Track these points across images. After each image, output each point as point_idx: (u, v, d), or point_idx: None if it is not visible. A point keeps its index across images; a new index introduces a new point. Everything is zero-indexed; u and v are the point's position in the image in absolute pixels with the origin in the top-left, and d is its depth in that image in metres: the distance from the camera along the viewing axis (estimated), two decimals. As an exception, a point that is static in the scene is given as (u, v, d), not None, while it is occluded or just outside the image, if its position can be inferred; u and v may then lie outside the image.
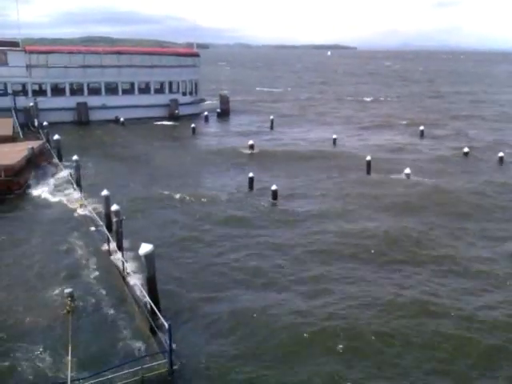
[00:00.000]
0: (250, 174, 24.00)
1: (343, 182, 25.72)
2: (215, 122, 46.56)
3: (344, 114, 51.89)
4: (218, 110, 49.46)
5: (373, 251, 16.90)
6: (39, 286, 14.15)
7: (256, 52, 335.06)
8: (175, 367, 10.75)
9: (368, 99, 65.37)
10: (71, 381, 9.97)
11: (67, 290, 13.22)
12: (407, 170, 26.35)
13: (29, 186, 23.20)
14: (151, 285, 13.16)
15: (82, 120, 41.61)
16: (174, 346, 10.85)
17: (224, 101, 50.48)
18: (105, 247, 16.51)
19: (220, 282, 14.85)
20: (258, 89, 76.75)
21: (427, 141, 37.63)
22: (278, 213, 20.92)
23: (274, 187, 22.42)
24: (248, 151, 32.16)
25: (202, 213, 20.50)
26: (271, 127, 42.36)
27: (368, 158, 27.38)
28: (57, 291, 13.73)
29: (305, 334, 12.17)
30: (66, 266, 15.40)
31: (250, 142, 32.60)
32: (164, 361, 10.73)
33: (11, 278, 14.70)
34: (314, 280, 14.91)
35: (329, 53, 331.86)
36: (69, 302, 12.97)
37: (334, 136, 35.78)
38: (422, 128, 39.80)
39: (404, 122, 45.58)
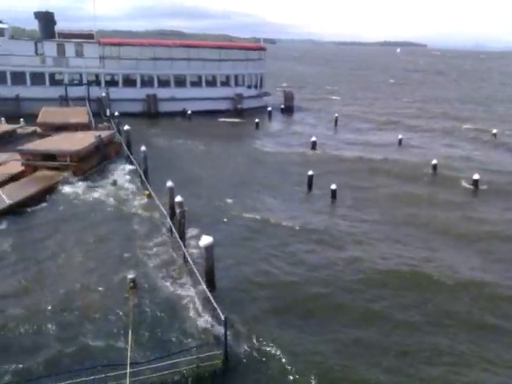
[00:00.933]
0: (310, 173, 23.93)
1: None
2: (279, 118, 46.55)
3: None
4: (282, 106, 49.52)
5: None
6: (104, 271, 14.73)
7: (322, 48, 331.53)
8: (229, 360, 10.89)
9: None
10: (130, 363, 10.32)
11: (130, 276, 13.71)
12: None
13: (97, 173, 24.04)
14: (209, 276, 13.43)
15: (151, 111, 42.86)
16: (229, 338, 10.99)
17: (288, 97, 50.41)
18: (168, 236, 17.00)
19: (282, 278, 14.86)
20: (325, 86, 75.80)
21: None
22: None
23: (333, 186, 22.26)
24: (310, 152, 31.82)
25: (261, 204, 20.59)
26: (335, 124, 42.16)
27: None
28: (120, 276, 14.23)
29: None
30: (130, 253, 15.93)
31: (313, 139, 32.33)
32: (219, 352, 10.92)
33: (76, 260, 15.34)
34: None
35: (398, 50, 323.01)
36: (131, 288, 13.45)
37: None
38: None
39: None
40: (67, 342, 11.40)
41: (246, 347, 11.51)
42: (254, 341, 11.77)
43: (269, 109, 46.13)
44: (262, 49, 50.90)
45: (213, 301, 11.93)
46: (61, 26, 45.98)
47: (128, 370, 10.18)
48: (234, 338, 11.46)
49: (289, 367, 11.01)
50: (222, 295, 13.12)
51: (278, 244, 17.18)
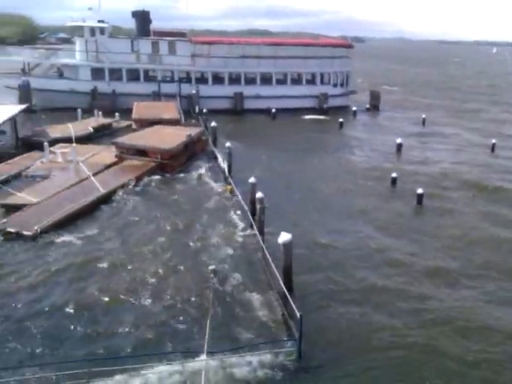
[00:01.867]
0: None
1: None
2: (364, 118, 45.74)
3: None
4: (368, 106, 48.63)
5: None
6: (186, 259, 15.38)
7: (416, 47, 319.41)
8: (303, 358, 11.02)
9: None
10: (207, 352, 10.76)
11: (211, 267, 14.25)
12: None
13: (183, 170, 24.98)
14: (287, 273, 13.60)
15: (237, 109, 43.81)
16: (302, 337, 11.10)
17: (375, 96, 49.38)
18: (248, 232, 17.45)
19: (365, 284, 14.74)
20: (414, 87, 73.12)
21: None
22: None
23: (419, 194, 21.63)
24: (394, 154, 31.00)
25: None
26: (423, 126, 40.82)
27: None
28: (201, 266, 14.79)
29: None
30: (211, 244, 16.50)
31: (398, 141, 31.54)
32: (292, 349, 11.08)
33: (159, 247, 16.11)
34: None
35: (494, 50, 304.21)
36: (212, 278, 13.96)
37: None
38: None
39: None
40: (148, 326, 12.09)
41: (320, 349, 11.54)
42: (329, 344, 11.78)
43: (354, 108, 45.48)
44: (349, 46, 50.22)
45: (289, 297, 12.09)
46: (155, 24, 48.27)
47: (204, 358, 10.62)
48: (309, 338, 11.47)
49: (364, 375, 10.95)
50: (298, 294, 13.25)
51: (360, 256, 16.72)
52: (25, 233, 16.20)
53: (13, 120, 28.93)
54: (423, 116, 42.00)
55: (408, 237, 18.21)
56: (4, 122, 27.49)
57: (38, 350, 11.00)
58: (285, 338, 11.65)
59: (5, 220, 16.99)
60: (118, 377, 10.17)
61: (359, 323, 12.66)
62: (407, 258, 16.42)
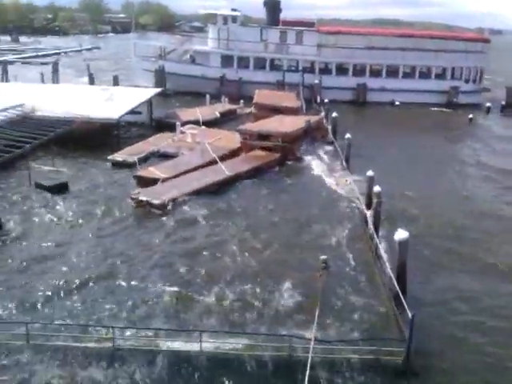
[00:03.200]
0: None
1: None
2: (497, 116, 42.52)
3: None
4: (503, 103, 45.04)
5: None
6: (298, 250, 15.64)
7: None
8: (410, 361, 10.77)
9: None
10: (314, 340, 10.95)
11: (322, 257, 14.40)
12: None
13: (302, 159, 25.33)
14: (401, 271, 13.31)
15: (359, 100, 43.11)
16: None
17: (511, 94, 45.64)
18: (362, 226, 17.31)
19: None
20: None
21: None
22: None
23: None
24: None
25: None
26: None
27: None
28: (313, 255, 14.97)
29: None
30: (323, 233, 16.65)
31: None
32: (401, 349, 10.86)
33: (275, 237, 16.60)
34: None
35: None
36: (323, 268, 14.12)
37: None
38: None
39: None
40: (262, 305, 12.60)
41: (431, 354, 11.19)
42: (442, 350, 11.38)
43: (487, 104, 42.45)
44: (485, 41, 46.81)
45: (401, 296, 11.85)
46: (285, 14, 48.89)
47: (312, 345, 10.83)
48: (419, 341, 11.17)
49: None
50: (410, 295, 12.90)
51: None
52: (154, 202, 17.83)
53: (148, 102, 31.33)
54: None
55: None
56: (141, 104, 29.86)
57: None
58: (392, 337, 11.46)
59: (138, 191, 18.69)
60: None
61: (479, 334, 12.08)
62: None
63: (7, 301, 12.22)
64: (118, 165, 22.81)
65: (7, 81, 40.19)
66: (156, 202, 17.82)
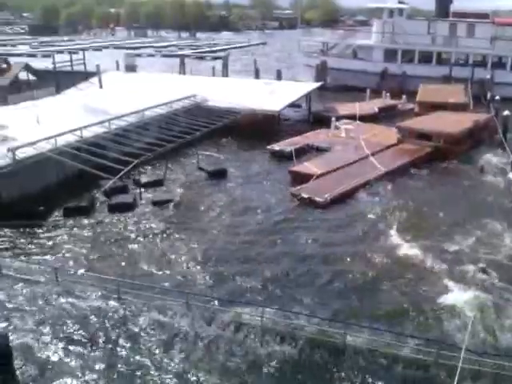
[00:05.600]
0: None
1: None
2: None
3: None
4: None
5: None
6: (450, 256, 14.85)
7: None
8: None
9: None
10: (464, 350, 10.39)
11: (481, 265, 13.74)
12: None
13: (463, 158, 23.78)
14: None
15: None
16: None
17: None
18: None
19: None
20: None
21: None
22: None
23: None
24: None
25: None
26: None
27: None
28: (465, 263, 14.24)
29: None
30: (478, 245, 15.48)
31: None
32: None
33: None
34: None
35: None
36: (481, 276, 13.43)
37: None
38: None
39: None
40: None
41: None
42: None
43: None
44: None
45: None
46: (457, 5, 46.00)
47: (462, 355, 10.31)
48: None
49: None
50: None
51: None
52: (316, 199, 18.17)
53: (308, 96, 32.06)
54: None
55: None
56: (301, 98, 30.71)
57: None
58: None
59: (299, 187, 19.25)
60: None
61: None
62: None
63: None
64: (275, 155, 23.89)
65: (184, 73, 43.95)
66: (318, 199, 18.10)
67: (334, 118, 27.68)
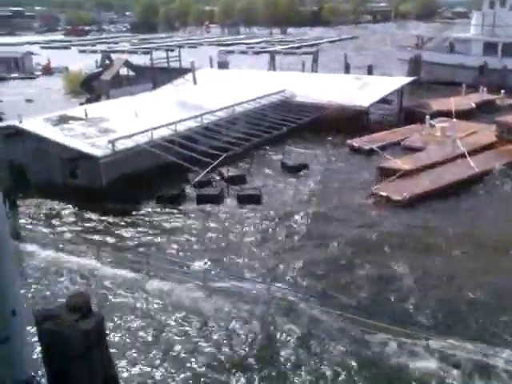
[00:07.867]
0: None
1: None
2: None
3: None
4: None
5: None
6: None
7: None
8: None
9: None
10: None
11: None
12: None
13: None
14: None
15: None
16: None
17: None
18: None
19: None
20: None
21: None
22: None
23: None
24: None
25: None
26: None
27: None
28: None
29: None
30: None
31: None
32: None
33: None
34: None
35: None
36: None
37: None
38: None
39: None
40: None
41: None
42: None
43: None
44: None
45: None
46: None
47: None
48: None
49: None
50: None
51: None
52: (394, 198, 17.66)
53: (399, 91, 31.19)
54: None
55: None
56: (392, 93, 29.97)
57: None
58: None
59: (377, 186, 18.79)
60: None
61: None
62: None
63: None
64: (354, 150, 23.55)
65: (274, 69, 44.42)
66: (396, 198, 17.62)
67: (428, 116, 26.46)
